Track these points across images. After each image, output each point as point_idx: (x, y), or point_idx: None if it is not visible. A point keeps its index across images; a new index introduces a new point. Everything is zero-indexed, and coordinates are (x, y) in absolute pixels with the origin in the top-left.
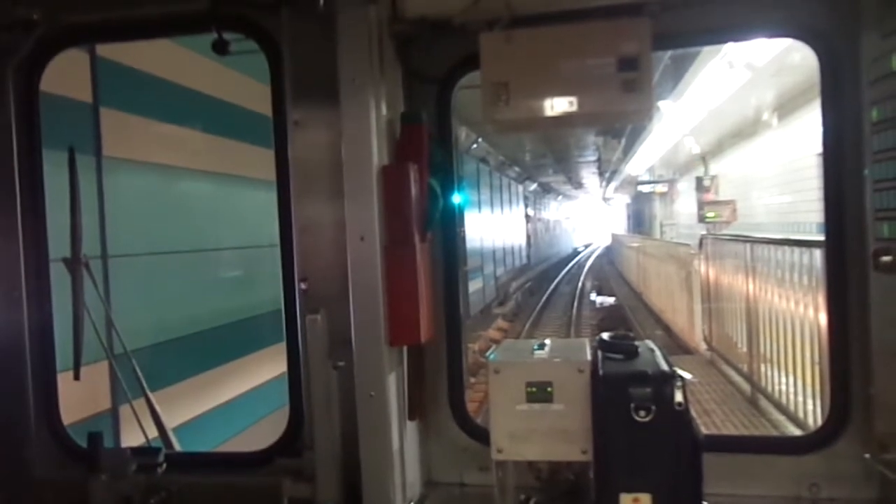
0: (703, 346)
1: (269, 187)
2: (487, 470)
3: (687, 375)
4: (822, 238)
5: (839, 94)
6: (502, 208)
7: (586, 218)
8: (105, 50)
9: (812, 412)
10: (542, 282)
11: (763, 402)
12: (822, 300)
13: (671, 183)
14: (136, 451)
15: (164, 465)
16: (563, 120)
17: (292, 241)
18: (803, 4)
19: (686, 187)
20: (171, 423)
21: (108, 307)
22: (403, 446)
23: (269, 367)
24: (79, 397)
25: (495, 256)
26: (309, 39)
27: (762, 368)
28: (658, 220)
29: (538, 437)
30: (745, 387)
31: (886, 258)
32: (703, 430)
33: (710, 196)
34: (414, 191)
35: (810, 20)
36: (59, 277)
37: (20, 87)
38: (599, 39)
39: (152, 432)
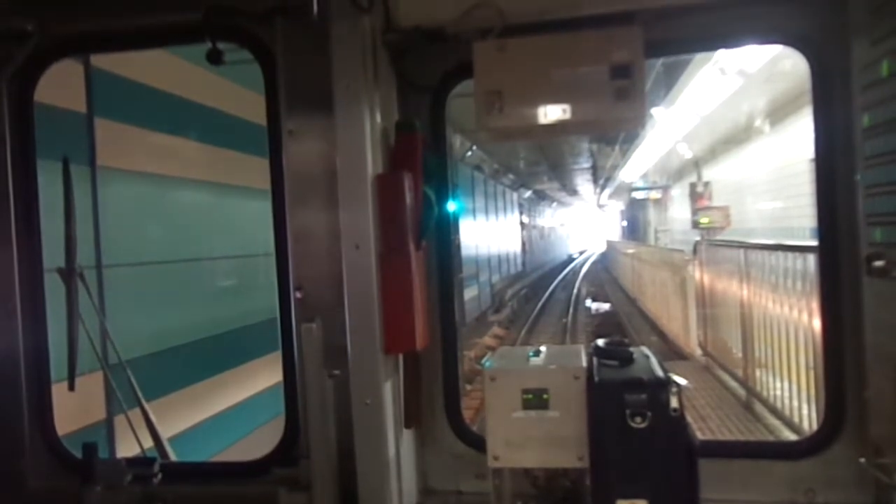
0: (698, 352)
1: (264, 196)
2: (484, 478)
3: (682, 381)
4: (815, 243)
5: (830, 101)
6: (497, 216)
7: (581, 225)
8: (99, 60)
9: (807, 417)
10: (537, 289)
11: (758, 407)
12: (815, 305)
13: (665, 189)
14: (132, 461)
15: (160, 476)
16: (557, 128)
17: (287, 249)
18: (794, 11)
19: (680, 193)
20: (166, 433)
21: (103, 317)
22: (400, 454)
23: (265, 376)
24: (73, 408)
25: (490, 264)
26: (303, 49)
27: (757, 373)
28: (652, 226)
29: (534, 445)
30: (741, 392)
31: (879, 263)
32: (699, 436)
33: (704, 202)
34: (409, 199)
35: (801, 27)
36: (53, 287)
37: (14, 98)
38: (592, 48)
39: (147, 442)
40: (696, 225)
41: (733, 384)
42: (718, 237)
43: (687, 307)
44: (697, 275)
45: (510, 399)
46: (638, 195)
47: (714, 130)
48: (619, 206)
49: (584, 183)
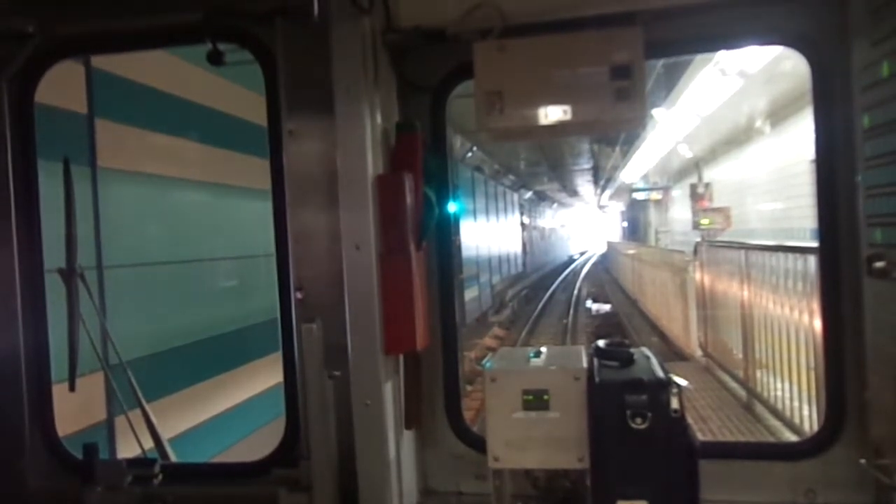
0: (698, 353)
1: (265, 197)
2: (484, 478)
3: (683, 382)
4: (815, 244)
5: (831, 102)
6: (497, 217)
7: (581, 226)
8: (100, 61)
9: (808, 417)
10: (538, 289)
11: (759, 408)
12: (816, 306)
13: (665, 190)
14: (132, 462)
15: (160, 477)
16: (557, 128)
17: (288, 250)
18: (794, 12)
19: (680, 194)
20: (167, 433)
21: (104, 318)
22: (400, 455)
23: (265, 376)
24: (74, 408)
25: (491, 264)
26: (303, 49)
27: (758, 374)
28: (653, 227)
29: (535, 445)
30: (741, 393)
31: (879, 264)
32: (700, 437)
33: (705, 203)
34: (409, 200)
35: (801, 28)
36: (54, 288)
37: (15, 99)
38: (592, 48)
39: (148, 443)
40: (696, 226)
41: (734, 385)
42: (719, 238)
43: (687, 308)
44: (698, 276)
45: (510, 400)
46: (638, 196)
47: (715, 131)
48: (619, 207)
49: (584, 184)
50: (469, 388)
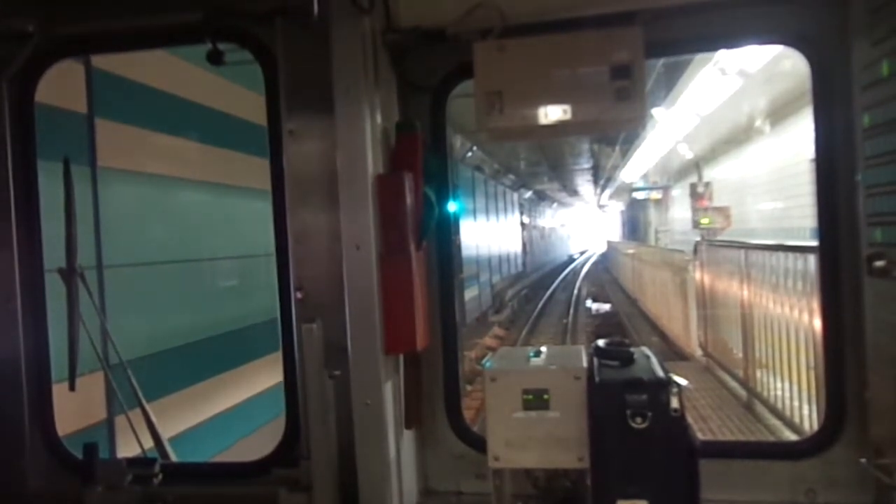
0: (698, 352)
1: (265, 197)
2: (484, 478)
3: (683, 381)
4: (815, 243)
5: (831, 101)
6: (497, 216)
7: (581, 225)
8: (100, 60)
9: (808, 417)
10: (538, 289)
11: (759, 408)
12: (816, 305)
13: (665, 190)
14: (132, 461)
15: (161, 476)
16: (557, 128)
17: (288, 250)
18: (794, 12)
19: (680, 194)
20: (167, 433)
21: (104, 317)
22: (400, 455)
23: (265, 376)
24: (74, 408)
25: (491, 264)
26: (303, 49)
27: (758, 374)
28: (653, 226)
29: (535, 445)
30: (741, 392)
31: (880, 263)
32: (700, 436)
33: (705, 202)
34: (409, 199)
35: (801, 27)
36: (54, 288)
37: (15, 98)
38: (592, 48)
39: (148, 443)
40: (696, 225)
41: (734, 384)
42: (719, 238)
43: (687, 308)
44: (698, 275)
45: (511, 399)
46: (638, 195)
47: (714, 131)
48: (619, 206)
49: (584, 183)
50: (469, 387)
